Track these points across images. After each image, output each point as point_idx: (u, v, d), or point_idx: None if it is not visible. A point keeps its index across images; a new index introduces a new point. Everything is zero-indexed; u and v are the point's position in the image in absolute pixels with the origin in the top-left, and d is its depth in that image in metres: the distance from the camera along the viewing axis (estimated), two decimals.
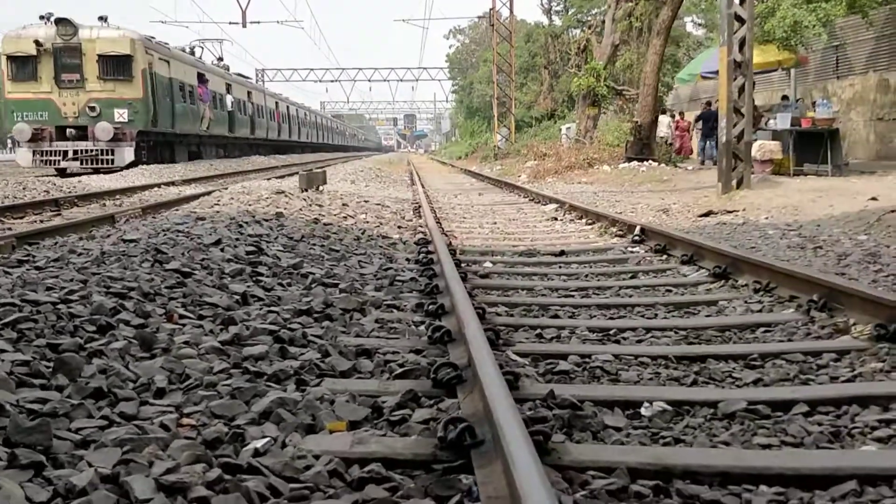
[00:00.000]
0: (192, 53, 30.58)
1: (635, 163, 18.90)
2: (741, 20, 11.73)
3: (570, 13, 44.03)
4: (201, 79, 29.15)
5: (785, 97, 19.06)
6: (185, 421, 2.55)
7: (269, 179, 18.63)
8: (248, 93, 36.40)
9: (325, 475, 2.18)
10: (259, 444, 2.36)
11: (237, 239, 5.98)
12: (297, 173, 16.46)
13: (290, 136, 46.73)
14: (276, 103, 42.92)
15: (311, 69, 78.55)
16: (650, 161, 18.93)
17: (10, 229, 8.73)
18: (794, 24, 16.71)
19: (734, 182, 11.53)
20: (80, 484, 2.00)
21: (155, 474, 2.05)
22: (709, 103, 22.84)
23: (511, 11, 35.99)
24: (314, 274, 5.07)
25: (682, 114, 22.92)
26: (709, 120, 22.02)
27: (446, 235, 7.56)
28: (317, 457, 2.29)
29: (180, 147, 28.23)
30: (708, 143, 20.64)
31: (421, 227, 8.48)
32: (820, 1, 16.84)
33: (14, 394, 2.60)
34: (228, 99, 33.00)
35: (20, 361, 2.86)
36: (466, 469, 2.25)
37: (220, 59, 35.87)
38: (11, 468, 2.09)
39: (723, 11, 11.86)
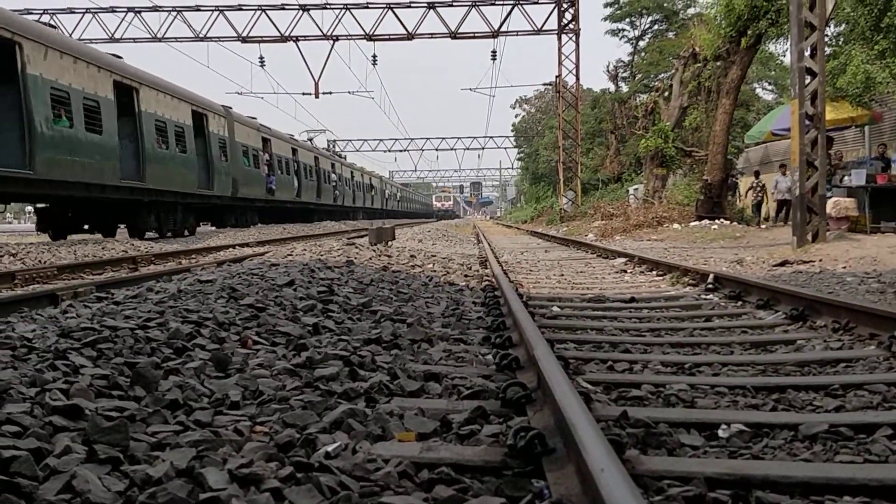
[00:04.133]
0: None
1: (706, 221, 18.65)
2: (812, 73, 11.64)
3: (636, 78, 44.25)
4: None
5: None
6: (258, 428, 2.58)
7: (339, 240, 18.93)
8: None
9: (395, 476, 2.17)
10: (330, 448, 2.36)
11: (309, 281, 6.09)
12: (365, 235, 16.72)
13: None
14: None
15: (381, 139, 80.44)
16: (722, 219, 18.65)
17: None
18: (866, 80, 16.47)
19: (809, 236, 11.29)
20: (156, 475, 2.03)
21: (229, 468, 2.08)
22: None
23: (577, 79, 36.19)
24: (383, 311, 5.11)
25: None
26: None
27: (513, 283, 7.54)
28: (386, 460, 2.28)
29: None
30: None
31: (487, 276, 8.48)
32: (893, 57, 16.58)
33: (93, 402, 2.67)
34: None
35: (99, 375, 2.94)
36: (536, 475, 2.22)
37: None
38: (90, 462, 2.14)
39: (793, 65, 11.79)
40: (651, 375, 3.75)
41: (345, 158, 56.13)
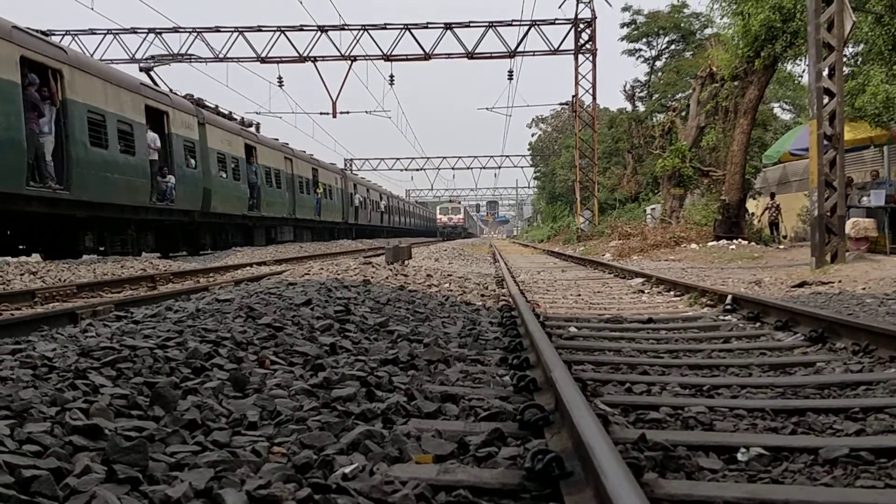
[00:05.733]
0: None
1: (724, 241, 18.58)
2: (830, 94, 11.60)
3: (653, 98, 44.28)
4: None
5: (875, 172, 18.62)
6: (276, 449, 2.59)
7: (356, 259, 18.99)
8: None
9: (413, 498, 2.17)
10: (347, 469, 2.37)
11: (326, 301, 6.11)
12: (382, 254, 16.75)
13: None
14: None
15: (398, 158, 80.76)
16: (740, 239, 18.57)
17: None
18: (885, 100, 16.40)
19: (828, 256, 11.21)
20: (174, 496, 2.04)
21: (247, 489, 2.08)
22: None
23: (594, 98, 36.31)
24: (399, 331, 5.12)
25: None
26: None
27: (530, 303, 7.53)
28: (404, 482, 2.28)
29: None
30: None
31: (504, 296, 8.48)
32: None
33: (112, 422, 2.69)
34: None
35: (118, 395, 2.96)
36: (554, 498, 2.21)
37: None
38: (109, 482, 2.15)
39: (811, 85, 11.76)
40: (669, 398, 3.73)
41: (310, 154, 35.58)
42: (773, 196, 23.31)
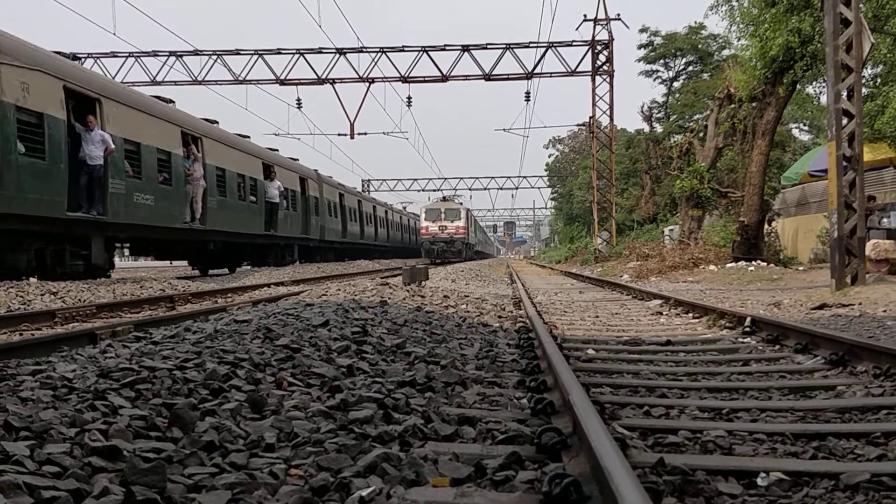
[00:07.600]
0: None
1: (743, 262, 18.46)
2: (849, 115, 11.55)
3: (671, 119, 44.25)
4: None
5: None
6: (293, 471, 2.59)
7: (372, 279, 18.99)
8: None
9: None
10: (364, 492, 2.37)
11: (343, 322, 6.12)
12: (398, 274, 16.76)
13: None
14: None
15: (415, 179, 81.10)
16: (759, 261, 18.45)
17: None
18: None
19: (848, 278, 11.12)
20: None
21: None
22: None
23: (611, 119, 36.31)
24: (417, 353, 5.12)
25: None
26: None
27: (547, 325, 7.52)
28: None
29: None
30: None
31: (521, 317, 8.47)
32: None
33: (131, 443, 2.70)
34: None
35: (137, 416, 2.98)
36: None
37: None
38: None
39: (830, 107, 11.71)
40: (688, 421, 3.71)
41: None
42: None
